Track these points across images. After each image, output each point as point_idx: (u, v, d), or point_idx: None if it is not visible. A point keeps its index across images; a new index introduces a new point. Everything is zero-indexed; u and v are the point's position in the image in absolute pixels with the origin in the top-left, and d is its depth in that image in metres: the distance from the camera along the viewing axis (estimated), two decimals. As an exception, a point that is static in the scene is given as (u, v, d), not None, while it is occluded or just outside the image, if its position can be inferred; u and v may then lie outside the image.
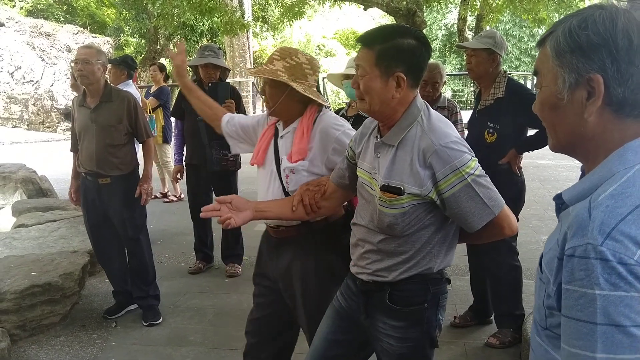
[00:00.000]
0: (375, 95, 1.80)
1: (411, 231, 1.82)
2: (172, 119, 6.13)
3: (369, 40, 1.82)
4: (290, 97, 2.29)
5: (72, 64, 3.80)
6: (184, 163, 4.94)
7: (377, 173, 1.86)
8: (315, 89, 2.36)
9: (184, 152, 4.96)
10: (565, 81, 1.06)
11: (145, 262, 4.10)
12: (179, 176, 5.13)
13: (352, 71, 3.43)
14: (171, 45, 21.34)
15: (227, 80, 4.94)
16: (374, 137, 1.93)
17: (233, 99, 4.48)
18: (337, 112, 3.68)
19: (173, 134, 5.20)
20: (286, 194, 2.33)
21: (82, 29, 19.10)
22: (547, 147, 3.62)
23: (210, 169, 4.62)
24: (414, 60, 1.79)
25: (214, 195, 4.94)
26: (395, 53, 1.77)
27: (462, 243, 2.01)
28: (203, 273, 4.95)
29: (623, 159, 1.03)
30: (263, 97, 2.43)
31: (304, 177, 2.27)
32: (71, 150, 4.06)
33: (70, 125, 16.80)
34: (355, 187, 2.06)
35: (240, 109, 4.61)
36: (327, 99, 17.17)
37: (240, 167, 4.81)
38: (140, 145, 4.08)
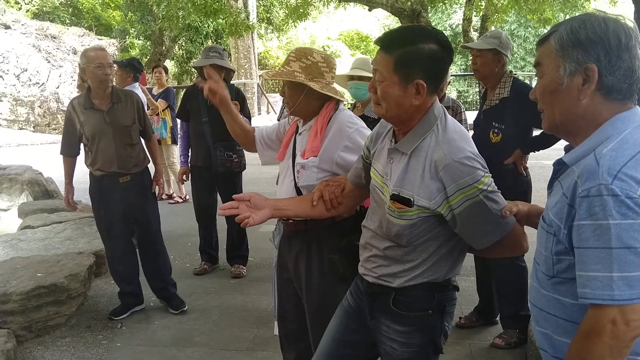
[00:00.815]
0: (392, 101, 1.74)
1: (418, 242, 1.79)
2: (178, 120, 6.14)
3: (388, 44, 1.74)
4: (309, 96, 2.32)
5: (94, 68, 3.74)
6: (190, 164, 4.94)
7: (388, 179, 1.82)
8: (332, 86, 2.38)
9: (189, 154, 4.96)
10: (566, 69, 1.33)
11: (165, 253, 4.27)
12: (184, 177, 5.14)
13: (358, 72, 3.45)
14: (176, 47, 21.40)
15: (232, 82, 4.94)
16: (388, 141, 1.88)
17: (237, 101, 4.48)
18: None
19: (179, 135, 5.21)
20: (297, 188, 2.36)
21: (87, 31, 19.19)
22: (553, 147, 3.59)
23: (215, 170, 4.63)
24: (435, 67, 1.73)
25: (218, 197, 4.95)
26: (416, 59, 1.70)
27: (471, 254, 1.97)
28: (208, 274, 4.95)
29: (614, 126, 1.30)
30: (284, 97, 2.44)
31: (313, 174, 2.30)
32: (64, 154, 4.01)
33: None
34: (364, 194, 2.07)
35: (244, 110, 4.61)
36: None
37: (244, 168, 4.82)
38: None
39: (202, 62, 4.64)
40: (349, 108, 3.66)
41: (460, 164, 1.67)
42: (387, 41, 1.75)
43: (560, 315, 1.31)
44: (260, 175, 8.92)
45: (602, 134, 1.30)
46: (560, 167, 1.38)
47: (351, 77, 3.46)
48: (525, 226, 1.79)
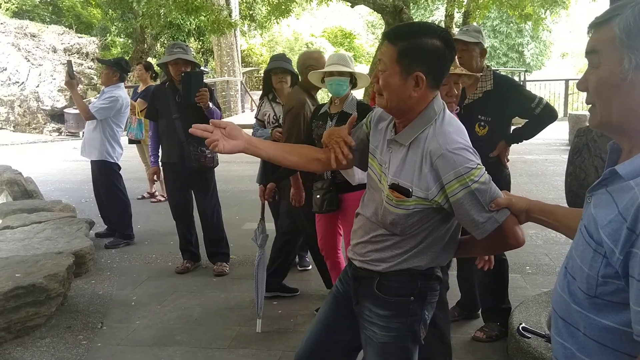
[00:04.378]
0: (393, 91, 1.81)
1: (411, 231, 1.86)
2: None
3: (393, 36, 1.82)
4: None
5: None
6: (161, 162, 4.91)
7: (386, 168, 1.89)
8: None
9: (160, 154, 4.93)
10: (631, 62, 1.11)
11: None
12: (155, 177, 5.14)
13: (337, 68, 3.43)
14: (158, 44, 21.25)
15: (214, 79, 4.95)
16: (389, 131, 1.94)
17: (206, 89, 4.52)
18: (318, 108, 3.66)
19: (149, 135, 5.13)
20: None
21: (67, 29, 18.94)
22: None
23: (188, 165, 4.61)
24: (436, 62, 1.79)
25: (193, 194, 4.92)
26: (417, 52, 1.77)
27: (466, 256, 2.07)
28: (191, 272, 4.91)
29: None
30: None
31: None
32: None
33: (59, 126, 16.42)
34: (355, 162, 2.11)
35: (212, 100, 4.61)
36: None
37: (217, 164, 4.81)
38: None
39: (166, 58, 4.66)
40: (325, 104, 3.64)
41: (454, 154, 1.74)
42: (393, 33, 1.84)
43: (590, 334, 1.20)
44: (230, 172, 8.89)
45: None
46: (610, 175, 1.18)
47: (330, 74, 3.44)
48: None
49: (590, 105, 1.23)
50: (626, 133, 1.20)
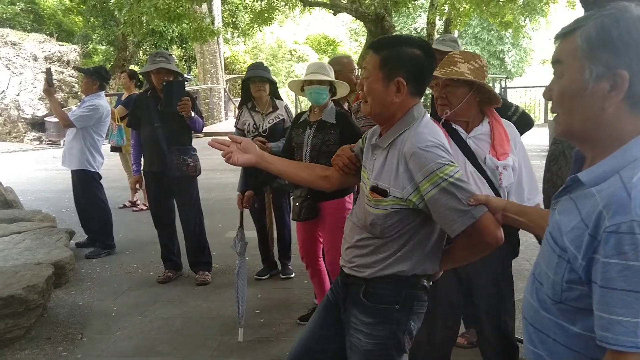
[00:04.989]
0: (376, 97, 1.91)
1: (392, 234, 1.90)
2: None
3: (377, 46, 1.95)
4: (471, 98, 2.60)
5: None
6: (143, 171, 4.89)
7: (371, 173, 1.96)
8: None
9: (142, 162, 4.91)
10: (592, 72, 1.15)
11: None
12: (137, 186, 5.11)
13: (317, 76, 3.45)
14: (140, 52, 21.16)
15: (197, 87, 4.95)
16: (374, 138, 2.03)
17: (188, 97, 4.51)
18: (299, 116, 3.68)
19: (131, 144, 5.09)
20: (496, 190, 2.47)
21: (48, 37, 18.79)
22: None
23: (170, 174, 4.59)
24: (416, 69, 1.89)
25: (175, 202, 4.90)
26: (399, 59, 1.88)
27: (452, 266, 2.08)
28: (172, 282, 4.88)
29: None
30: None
31: (512, 173, 2.51)
32: None
33: (39, 135, 16.20)
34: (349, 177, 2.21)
35: (195, 108, 4.60)
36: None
37: (200, 173, 4.79)
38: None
39: (149, 67, 4.63)
40: (305, 112, 3.66)
41: (425, 152, 1.79)
42: (377, 44, 1.98)
43: (559, 340, 1.21)
44: (212, 180, 8.87)
45: (628, 154, 1.14)
46: (573, 182, 1.21)
47: (310, 82, 3.46)
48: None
49: (555, 115, 1.26)
50: (588, 142, 1.23)
